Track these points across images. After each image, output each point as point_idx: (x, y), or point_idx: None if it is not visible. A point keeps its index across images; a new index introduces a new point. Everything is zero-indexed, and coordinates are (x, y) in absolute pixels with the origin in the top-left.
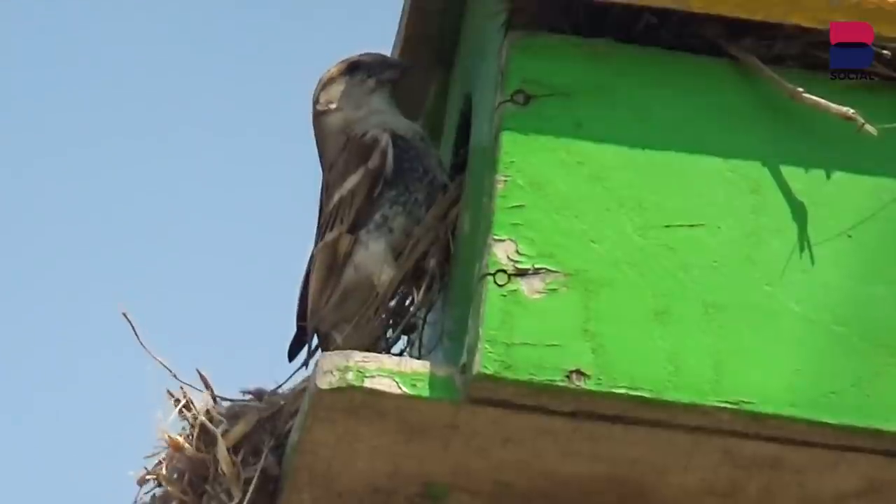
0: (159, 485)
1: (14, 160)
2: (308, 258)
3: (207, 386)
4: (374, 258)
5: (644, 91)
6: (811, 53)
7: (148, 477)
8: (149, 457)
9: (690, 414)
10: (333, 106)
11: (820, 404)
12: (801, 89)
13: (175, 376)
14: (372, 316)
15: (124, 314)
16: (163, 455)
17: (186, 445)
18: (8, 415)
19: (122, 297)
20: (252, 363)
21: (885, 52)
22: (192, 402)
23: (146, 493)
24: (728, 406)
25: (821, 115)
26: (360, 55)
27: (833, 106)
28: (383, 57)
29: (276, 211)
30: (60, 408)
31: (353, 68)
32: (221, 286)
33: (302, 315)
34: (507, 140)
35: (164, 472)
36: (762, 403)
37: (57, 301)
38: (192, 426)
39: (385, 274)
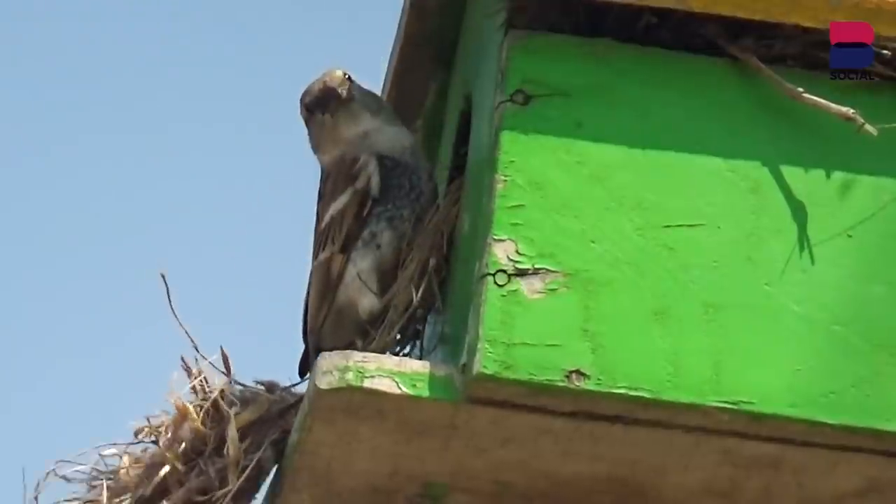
0: (154, 442)
1: (70, 137)
2: (308, 275)
3: (227, 365)
4: (359, 280)
5: (644, 91)
6: (811, 53)
7: (146, 428)
8: (153, 417)
9: (690, 414)
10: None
11: (820, 404)
12: (801, 89)
13: (196, 349)
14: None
15: (162, 276)
16: (166, 418)
17: (193, 415)
18: (24, 377)
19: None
20: (274, 359)
21: (885, 52)
22: (206, 379)
23: (139, 447)
24: (727, 406)
25: (821, 115)
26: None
27: (833, 106)
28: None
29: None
30: (82, 371)
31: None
32: (261, 278)
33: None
34: (507, 140)
35: (163, 433)
36: (762, 403)
37: (99, 273)
38: (205, 399)
39: (368, 300)
